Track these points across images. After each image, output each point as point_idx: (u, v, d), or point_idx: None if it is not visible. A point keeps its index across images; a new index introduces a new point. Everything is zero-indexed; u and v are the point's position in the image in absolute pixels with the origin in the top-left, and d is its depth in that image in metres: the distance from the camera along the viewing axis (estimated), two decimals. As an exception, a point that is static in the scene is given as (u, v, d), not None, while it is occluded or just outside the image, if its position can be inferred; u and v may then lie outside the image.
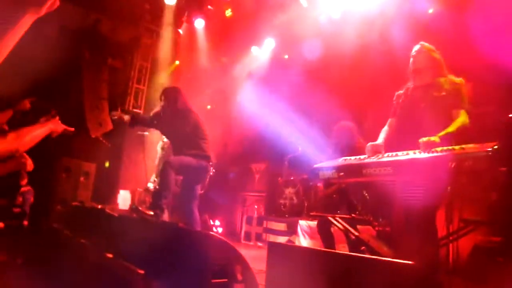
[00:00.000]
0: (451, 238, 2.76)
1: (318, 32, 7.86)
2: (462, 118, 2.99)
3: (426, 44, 3.42)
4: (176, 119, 4.79)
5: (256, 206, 8.34)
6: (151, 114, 4.97)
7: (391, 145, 3.23)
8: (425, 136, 2.76)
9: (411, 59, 3.42)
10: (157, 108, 4.96)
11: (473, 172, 2.19)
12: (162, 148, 7.37)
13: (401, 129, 3.33)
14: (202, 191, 5.00)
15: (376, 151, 3.05)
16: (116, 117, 4.96)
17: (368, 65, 6.70)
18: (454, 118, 3.01)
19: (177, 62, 10.28)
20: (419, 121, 3.13)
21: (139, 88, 10.07)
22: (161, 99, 4.97)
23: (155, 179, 7.21)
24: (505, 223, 3.81)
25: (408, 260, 1.76)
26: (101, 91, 9.13)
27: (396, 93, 3.53)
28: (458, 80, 3.18)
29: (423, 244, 2.61)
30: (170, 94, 4.93)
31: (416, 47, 3.42)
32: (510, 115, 3.80)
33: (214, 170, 4.98)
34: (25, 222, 7.12)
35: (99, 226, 4.87)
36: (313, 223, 5.88)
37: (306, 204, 6.84)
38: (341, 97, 7.13)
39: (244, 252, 3.08)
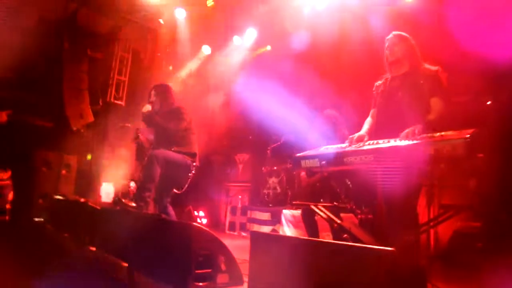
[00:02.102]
0: (431, 224, 2.81)
1: (300, 22, 7.84)
2: (440, 107, 3.02)
3: (401, 33, 3.41)
4: (168, 117, 4.71)
5: (240, 197, 8.35)
6: (144, 111, 4.79)
7: (373, 135, 3.25)
8: (404, 125, 2.79)
9: (387, 51, 3.42)
10: (148, 107, 4.80)
11: (452, 158, 2.22)
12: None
13: (381, 119, 3.35)
14: (180, 191, 4.91)
15: (359, 141, 3.07)
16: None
17: (350, 54, 6.73)
18: (432, 106, 3.03)
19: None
20: (398, 110, 3.16)
21: (120, 80, 9.94)
22: (150, 96, 4.89)
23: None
24: (484, 209, 3.90)
25: (389, 247, 1.78)
26: (81, 82, 8.98)
27: (375, 84, 3.54)
28: (435, 68, 3.21)
29: (404, 231, 2.64)
30: (162, 91, 4.87)
31: (390, 38, 3.41)
32: (488, 103, 3.88)
33: (193, 172, 4.87)
34: (6, 217, 7.02)
35: (82, 220, 4.83)
36: (297, 212, 5.92)
37: (289, 194, 6.87)
38: (324, 86, 7.16)
39: (228, 242, 3.09)
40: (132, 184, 7.87)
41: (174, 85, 9.67)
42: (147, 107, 4.72)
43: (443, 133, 2.39)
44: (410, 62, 3.31)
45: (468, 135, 2.18)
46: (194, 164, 4.78)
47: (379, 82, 3.51)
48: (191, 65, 10.30)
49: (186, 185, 4.88)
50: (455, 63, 4.80)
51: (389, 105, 3.30)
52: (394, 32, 3.42)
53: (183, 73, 10.37)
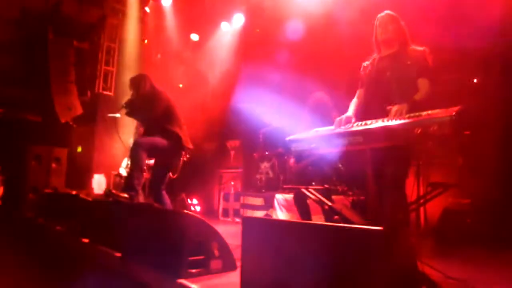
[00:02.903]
0: (420, 201, 2.84)
1: (289, 5, 7.79)
2: (427, 87, 3.03)
3: (393, 13, 3.39)
4: (144, 104, 4.74)
5: (232, 183, 8.35)
6: (123, 105, 4.91)
7: (361, 115, 3.25)
8: (391, 105, 2.79)
9: (379, 29, 3.41)
10: (127, 99, 4.93)
11: (439, 136, 2.23)
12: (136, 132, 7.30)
13: (369, 99, 3.34)
14: (174, 176, 4.95)
15: (346, 122, 3.07)
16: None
17: (338, 36, 6.70)
18: (419, 86, 3.04)
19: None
20: (386, 90, 3.16)
21: (108, 70, 9.84)
22: (130, 89, 4.96)
23: (128, 163, 7.15)
24: (472, 186, 3.95)
25: (379, 227, 1.79)
26: (68, 74, 8.88)
27: (363, 64, 3.53)
28: (421, 48, 3.21)
29: (393, 210, 2.66)
30: (136, 82, 4.91)
31: (382, 17, 3.39)
32: (474, 80, 3.89)
33: (188, 156, 4.91)
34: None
35: (74, 212, 4.82)
36: (290, 196, 5.94)
37: (281, 178, 6.88)
38: (314, 69, 7.14)
39: (222, 228, 3.10)
40: (122, 170, 7.85)
41: (163, 73, 9.67)
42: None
43: (430, 111, 2.40)
44: (400, 42, 3.30)
45: (454, 113, 2.19)
46: (183, 147, 4.79)
47: (367, 62, 3.50)
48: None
49: (179, 169, 4.91)
50: (443, 41, 4.80)
51: (377, 85, 3.29)
52: (387, 11, 3.40)
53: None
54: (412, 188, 2.86)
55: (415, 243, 2.89)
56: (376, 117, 2.81)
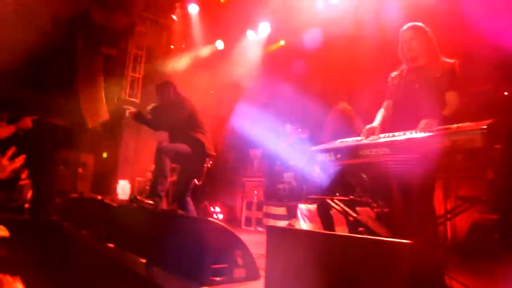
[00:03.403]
0: (448, 216, 2.79)
1: (314, 15, 7.79)
2: (455, 100, 2.98)
3: (417, 25, 3.31)
4: (170, 111, 4.80)
5: (255, 192, 8.35)
6: (148, 110, 4.98)
7: (387, 126, 3.22)
8: (420, 118, 2.75)
9: (404, 46, 3.32)
10: (153, 104, 5.00)
11: (469, 150, 2.19)
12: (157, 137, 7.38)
13: (397, 111, 3.30)
14: (199, 183, 4.97)
15: (372, 133, 3.04)
16: (125, 107, 5.06)
17: (364, 46, 6.65)
18: (447, 100, 2.99)
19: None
20: (414, 103, 3.11)
21: (134, 77, 10.01)
22: (156, 95, 5.03)
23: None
24: (501, 201, 3.84)
25: (407, 240, 1.76)
26: (96, 81, 9.07)
27: (391, 75, 3.49)
28: (451, 61, 3.15)
29: (422, 223, 2.62)
30: (161, 89, 4.97)
31: (405, 31, 3.32)
32: (505, 93, 3.81)
33: (211, 162, 4.92)
34: (25, 216, 7.14)
35: (99, 217, 4.90)
36: (313, 207, 5.90)
37: (305, 188, 6.85)
38: (339, 79, 7.11)
39: (244, 237, 3.10)
40: (149, 174, 7.94)
41: (190, 80, 9.76)
42: (132, 110, 4.98)
43: (459, 124, 2.36)
44: (428, 55, 3.23)
45: (485, 126, 2.15)
46: (207, 154, 4.81)
47: (395, 73, 3.46)
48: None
49: (203, 176, 4.93)
50: (473, 52, 4.72)
51: (406, 97, 3.24)
52: (409, 24, 3.32)
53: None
54: (440, 202, 2.81)
55: (443, 258, 2.84)
56: (404, 129, 2.78)
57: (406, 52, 3.33)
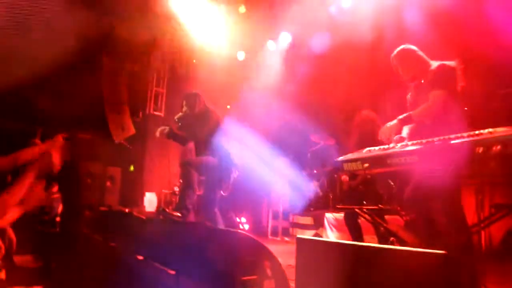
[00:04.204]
0: (482, 225, 2.71)
1: (333, 23, 7.78)
2: (440, 99, 3.06)
3: (403, 49, 3.47)
4: (197, 122, 4.84)
5: (281, 201, 8.33)
6: (176, 119, 5.03)
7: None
8: (431, 132, 2.86)
9: (396, 70, 3.51)
10: (180, 114, 5.04)
11: (503, 156, 2.14)
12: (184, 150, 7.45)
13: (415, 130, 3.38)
14: (226, 193, 5.00)
15: (399, 142, 3.04)
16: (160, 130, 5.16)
17: (386, 53, 6.58)
18: (431, 97, 3.11)
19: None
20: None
21: (158, 91, 10.15)
22: (182, 106, 5.06)
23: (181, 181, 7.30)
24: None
25: (439, 249, 1.73)
26: (121, 96, 9.23)
27: (407, 97, 3.62)
28: (437, 63, 3.24)
29: (455, 232, 2.57)
30: (190, 100, 5.00)
31: (393, 60, 3.52)
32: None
33: (238, 172, 4.97)
34: (57, 229, 7.28)
35: (128, 229, 4.95)
36: (340, 216, 5.85)
37: (331, 197, 6.80)
38: (359, 87, 7.06)
39: (271, 247, 3.09)
40: (176, 188, 8.01)
41: (211, 92, 9.82)
42: (164, 128, 5.07)
43: (491, 129, 2.31)
44: (419, 73, 3.36)
45: (519, 131, 2.10)
46: (234, 164, 4.84)
47: (409, 94, 3.58)
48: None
49: (230, 186, 4.95)
50: (503, 53, 4.63)
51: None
52: (395, 52, 3.52)
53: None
54: (473, 209, 2.74)
55: (478, 268, 2.77)
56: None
57: (403, 75, 3.51)
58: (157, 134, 5.14)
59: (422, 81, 3.31)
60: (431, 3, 6.12)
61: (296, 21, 8.63)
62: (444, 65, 3.18)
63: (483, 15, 5.15)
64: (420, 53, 3.40)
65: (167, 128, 4.98)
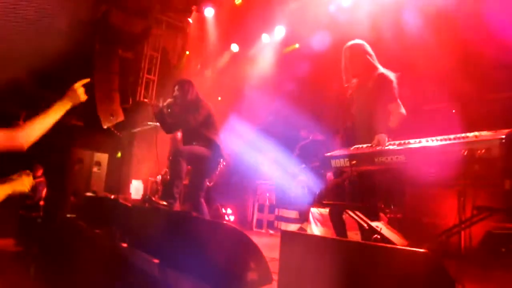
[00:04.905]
0: (463, 225, 2.77)
1: (329, 20, 7.79)
2: (398, 111, 3.31)
3: (356, 44, 3.62)
4: (187, 110, 4.82)
5: (267, 194, 8.36)
6: (165, 105, 4.96)
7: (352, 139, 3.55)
8: (370, 131, 3.12)
9: (344, 63, 3.64)
10: (170, 100, 4.97)
11: (487, 159, 2.18)
12: (175, 140, 7.43)
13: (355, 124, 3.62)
14: (211, 184, 5.02)
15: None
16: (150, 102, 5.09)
17: (382, 52, 6.60)
18: (391, 111, 3.31)
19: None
20: (364, 116, 3.44)
21: (149, 79, 10.10)
22: (174, 91, 5.01)
23: (166, 170, 7.28)
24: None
25: (420, 248, 1.77)
26: (112, 83, 9.17)
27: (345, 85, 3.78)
28: (387, 73, 3.42)
29: (435, 232, 2.62)
30: (183, 86, 4.96)
31: (345, 51, 3.64)
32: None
33: (224, 163, 4.98)
34: (40, 213, 7.24)
35: (113, 216, 4.94)
36: (325, 211, 5.90)
37: (317, 192, 6.84)
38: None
39: (256, 240, 3.11)
40: (159, 177, 7.99)
41: (202, 83, 9.80)
42: (157, 104, 4.92)
43: (477, 133, 2.35)
44: (364, 72, 3.53)
45: (504, 136, 2.14)
46: (220, 156, 4.84)
47: (347, 85, 3.73)
48: (219, 63, 10.38)
49: (216, 177, 4.96)
50: (494, 57, 4.68)
51: (357, 111, 3.60)
52: (348, 44, 3.65)
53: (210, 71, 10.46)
54: (455, 211, 2.79)
55: (455, 266, 2.83)
56: (361, 141, 3.14)
57: (346, 70, 3.66)
58: (150, 107, 5.08)
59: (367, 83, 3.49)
60: (430, 2, 6.16)
61: (294, 17, 8.64)
62: (388, 76, 3.41)
63: (480, 17, 5.19)
64: (371, 53, 3.58)
65: (159, 106, 4.90)
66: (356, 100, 3.60)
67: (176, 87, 5.00)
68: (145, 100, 9.90)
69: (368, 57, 3.57)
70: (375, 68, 3.52)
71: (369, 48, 3.62)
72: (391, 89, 3.36)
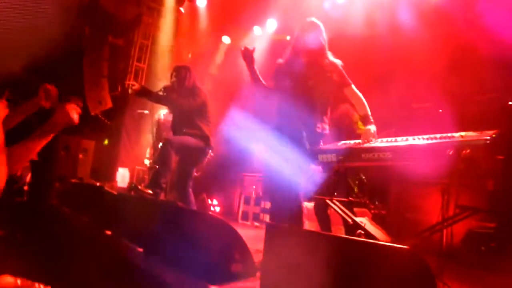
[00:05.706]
0: (445, 223, 2.82)
1: (322, 13, 7.77)
2: (360, 94, 3.42)
3: (315, 21, 3.61)
4: (183, 97, 4.80)
5: (254, 187, 8.37)
6: (161, 88, 4.96)
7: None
8: (312, 113, 3.26)
9: (303, 36, 3.59)
10: (167, 84, 4.98)
11: (471, 159, 2.21)
12: (158, 124, 7.39)
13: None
14: (198, 174, 5.02)
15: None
16: (126, 86, 5.04)
17: (375, 49, 6.62)
18: (349, 95, 3.49)
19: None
20: (306, 98, 3.46)
21: (139, 67, 10.01)
22: (171, 76, 5.00)
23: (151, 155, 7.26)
24: (501, 211, 3.87)
25: (403, 244, 1.79)
26: (101, 69, 9.06)
27: (278, 61, 3.84)
28: (337, 60, 3.51)
29: (417, 230, 2.65)
30: (181, 72, 4.95)
31: (310, 24, 3.61)
32: (510, 103, 3.82)
33: (212, 154, 4.98)
34: (24, 198, 7.15)
35: (98, 204, 4.91)
36: (310, 205, 5.92)
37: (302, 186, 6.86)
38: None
39: (241, 231, 3.11)
40: (146, 161, 7.93)
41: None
42: (134, 83, 4.95)
43: (463, 133, 2.38)
44: (321, 52, 3.55)
45: (489, 137, 2.17)
46: (209, 147, 4.85)
47: (281, 60, 3.78)
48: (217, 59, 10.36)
49: (203, 167, 4.95)
50: (478, 59, 4.71)
51: (297, 90, 3.56)
52: (313, 20, 3.63)
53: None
54: (439, 209, 2.84)
55: (436, 264, 2.87)
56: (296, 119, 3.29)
57: (303, 44, 3.58)
58: (129, 91, 5.05)
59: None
60: (423, 0, 6.17)
61: (285, 9, 8.61)
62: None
63: (473, 15, 5.21)
64: (326, 38, 3.59)
65: (136, 85, 4.89)
66: (301, 78, 3.55)
67: (174, 73, 4.99)
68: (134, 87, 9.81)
69: (325, 39, 3.59)
70: (328, 54, 3.58)
71: (324, 33, 3.63)
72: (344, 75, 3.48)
